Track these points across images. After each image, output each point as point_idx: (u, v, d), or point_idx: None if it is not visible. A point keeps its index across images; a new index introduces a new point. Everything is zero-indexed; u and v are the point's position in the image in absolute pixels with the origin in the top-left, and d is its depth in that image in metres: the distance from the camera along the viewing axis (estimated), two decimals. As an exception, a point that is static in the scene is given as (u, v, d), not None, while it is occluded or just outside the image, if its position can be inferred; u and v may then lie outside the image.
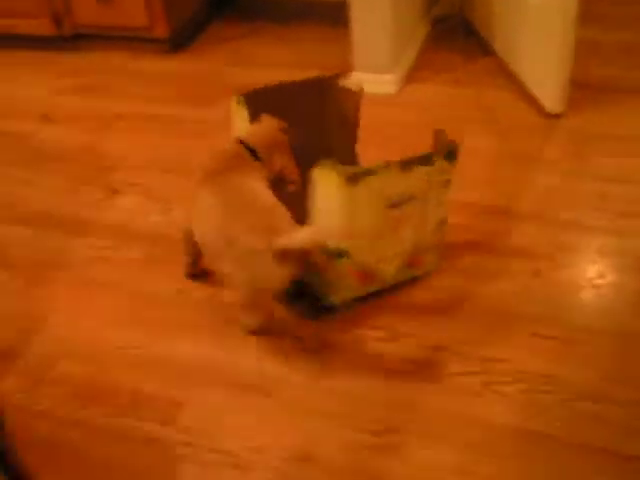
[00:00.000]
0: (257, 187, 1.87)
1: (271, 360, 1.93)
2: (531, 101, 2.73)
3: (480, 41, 3.12)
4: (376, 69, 2.81)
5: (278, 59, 3.21)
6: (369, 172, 1.82)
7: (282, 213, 1.81)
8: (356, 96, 2.13)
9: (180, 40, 3.32)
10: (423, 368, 1.87)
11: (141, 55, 3.36)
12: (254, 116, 2.02)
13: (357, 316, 2.01)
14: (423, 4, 3.15)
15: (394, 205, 1.90)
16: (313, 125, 2.16)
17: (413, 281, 2.09)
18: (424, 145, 1.94)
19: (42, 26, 3.38)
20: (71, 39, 3.41)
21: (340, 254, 1.89)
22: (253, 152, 1.91)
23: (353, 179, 1.80)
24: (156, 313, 2.11)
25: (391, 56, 2.77)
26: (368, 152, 2.21)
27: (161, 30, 3.22)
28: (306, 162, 1.88)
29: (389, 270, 2.00)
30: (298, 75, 2.18)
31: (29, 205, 2.58)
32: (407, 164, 1.86)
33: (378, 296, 2.05)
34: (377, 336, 1.96)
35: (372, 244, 1.93)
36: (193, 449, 1.74)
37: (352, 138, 2.21)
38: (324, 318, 2.00)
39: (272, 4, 3.63)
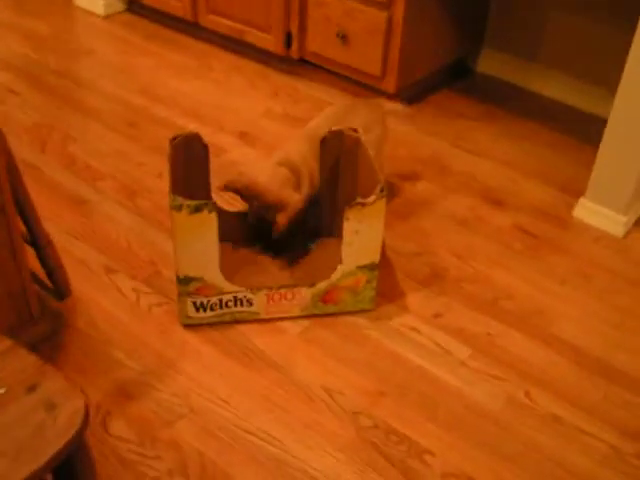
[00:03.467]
0: None
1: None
2: None
3: None
4: (610, 205, 2.49)
5: (497, 153, 2.92)
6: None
7: None
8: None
9: (403, 98, 3.10)
10: None
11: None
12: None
13: None
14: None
15: None
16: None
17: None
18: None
19: (270, 42, 3.26)
20: (296, 62, 3.27)
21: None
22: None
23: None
24: (299, 412, 1.87)
25: (630, 197, 2.45)
26: (575, 290, 1.89)
27: (389, 84, 3.01)
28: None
29: None
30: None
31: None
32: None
33: None
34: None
35: None
36: None
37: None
38: None
39: (515, 91, 3.35)
